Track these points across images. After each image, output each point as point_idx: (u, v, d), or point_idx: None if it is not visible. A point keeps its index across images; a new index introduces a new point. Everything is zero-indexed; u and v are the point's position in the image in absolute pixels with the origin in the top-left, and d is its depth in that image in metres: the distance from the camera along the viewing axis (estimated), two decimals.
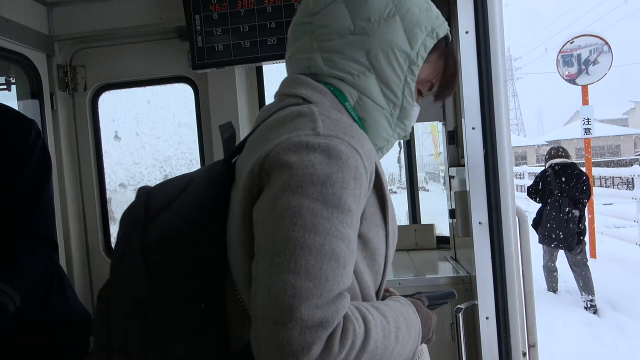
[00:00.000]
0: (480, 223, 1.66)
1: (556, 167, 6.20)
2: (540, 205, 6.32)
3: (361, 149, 0.88)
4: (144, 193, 1.06)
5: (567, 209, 5.96)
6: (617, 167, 20.34)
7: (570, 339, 5.07)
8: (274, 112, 0.98)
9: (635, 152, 32.63)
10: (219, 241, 0.94)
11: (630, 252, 8.19)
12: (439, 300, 1.22)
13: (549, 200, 6.13)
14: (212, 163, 1.08)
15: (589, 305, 6.00)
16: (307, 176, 0.81)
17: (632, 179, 8.97)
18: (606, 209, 10.37)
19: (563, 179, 6.10)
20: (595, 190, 9.52)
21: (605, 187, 19.06)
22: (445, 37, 1.08)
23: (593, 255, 8.42)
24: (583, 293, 6.10)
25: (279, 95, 1.05)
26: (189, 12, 2.28)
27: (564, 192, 6.04)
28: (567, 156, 6.35)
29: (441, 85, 1.12)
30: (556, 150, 6.47)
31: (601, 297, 6.37)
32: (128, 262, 0.97)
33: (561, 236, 6.00)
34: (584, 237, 6.14)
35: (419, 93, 1.11)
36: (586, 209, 6.32)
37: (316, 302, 0.76)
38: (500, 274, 1.63)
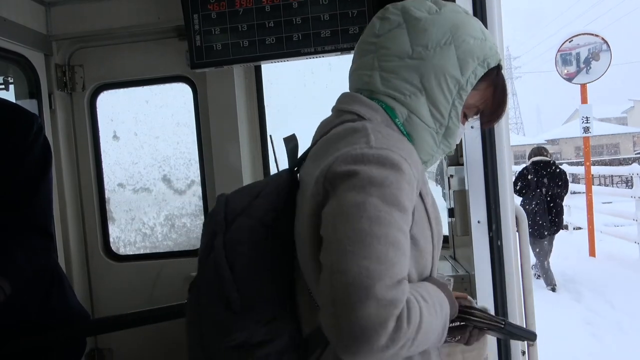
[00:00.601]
0: (479, 222, 1.66)
1: (536, 165, 6.99)
2: (521, 199, 7.10)
3: (409, 158, 1.00)
4: (223, 200, 1.18)
5: (542, 201, 6.79)
6: (616, 165, 20.35)
7: (569, 337, 5.08)
8: (333, 127, 1.12)
9: (635, 151, 32.64)
10: (287, 240, 1.09)
11: (629, 250, 8.20)
12: (519, 333, 1.21)
13: (527, 193, 6.92)
14: (278, 173, 1.21)
15: (553, 289, 6.83)
16: (367, 179, 0.94)
17: (631, 177, 8.97)
18: (605, 208, 10.35)
19: (541, 175, 6.92)
20: (595, 188, 9.53)
21: (605, 185, 19.08)
22: (497, 67, 1.17)
23: (592, 253, 8.43)
24: (542, 279, 6.93)
25: (336, 110, 1.18)
26: (187, 12, 2.27)
27: (541, 187, 6.89)
28: (548, 155, 7.20)
29: (489, 112, 1.22)
30: (537, 149, 7.33)
31: (600, 296, 6.39)
32: (213, 260, 1.10)
33: (535, 226, 6.70)
34: (557, 231, 6.97)
35: (465, 116, 1.21)
36: (564, 204, 7.17)
37: (387, 282, 0.87)
38: (499, 273, 1.63)
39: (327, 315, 0.90)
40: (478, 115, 1.24)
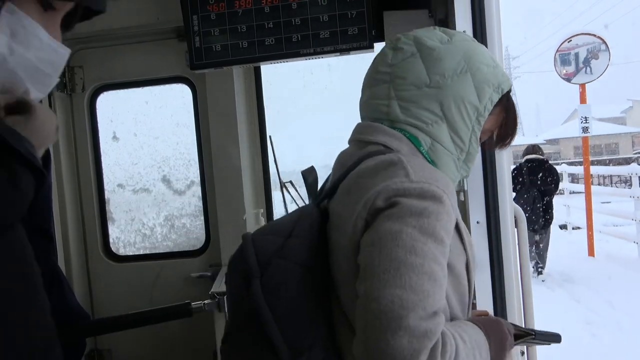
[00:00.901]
0: (478, 222, 1.66)
1: (529, 162, 7.33)
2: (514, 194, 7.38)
3: (446, 189, 1.01)
4: (249, 240, 1.12)
5: (534, 196, 7.13)
6: (616, 165, 20.34)
7: (568, 337, 5.08)
8: (360, 159, 1.10)
9: (634, 151, 32.63)
10: (325, 276, 1.08)
11: (628, 250, 8.20)
12: (546, 339, 1.22)
13: (520, 189, 7.24)
14: (306, 208, 1.18)
15: (538, 270, 7.20)
16: (406, 209, 0.95)
17: (630, 177, 8.98)
18: (604, 207, 10.36)
19: (534, 172, 7.26)
20: (594, 188, 9.54)
21: (604, 185, 19.09)
22: (508, 92, 1.20)
23: (591, 253, 8.43)
24: (537, 264, 7.25)
25: (357, 141, 1.17)
26: (187, 13, 2.27)
27: (533, 183, 7.25)
28: (541, 153, 7.55)
29: (501, 135, 1.26)
30: (531, 147, 7.68)
31: (600, 295, 6.39)
32: (251, 306, 1.03)
33: (528, 221, 6.84)
34: (549, 225, 7.30)
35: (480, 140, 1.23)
36: (554, 200, 7.46)
37: (421, 313, 0.86)
38: (498, 273, 1.63)
39: (358, 342, 0.89)
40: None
